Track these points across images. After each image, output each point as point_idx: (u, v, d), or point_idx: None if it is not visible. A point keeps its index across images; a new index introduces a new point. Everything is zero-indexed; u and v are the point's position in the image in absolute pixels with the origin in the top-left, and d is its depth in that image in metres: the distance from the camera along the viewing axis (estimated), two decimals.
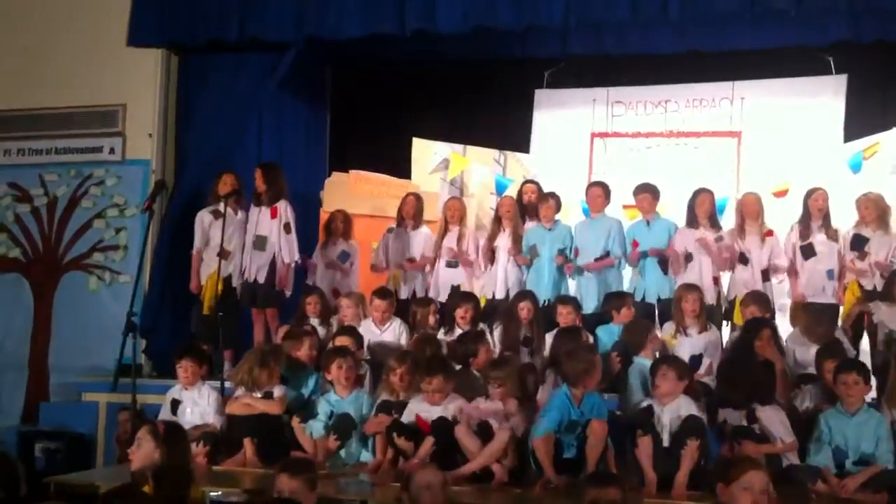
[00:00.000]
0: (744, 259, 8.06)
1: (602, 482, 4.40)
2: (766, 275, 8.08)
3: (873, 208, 7.95)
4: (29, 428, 8.34)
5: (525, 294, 7.93)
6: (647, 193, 8.41)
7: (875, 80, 9.86)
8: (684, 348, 7.13)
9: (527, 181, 9.54)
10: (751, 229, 8.15)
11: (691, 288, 7.47)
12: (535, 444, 5.75)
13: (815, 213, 8.08)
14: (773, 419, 5.87)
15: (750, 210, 8.21)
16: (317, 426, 6.50)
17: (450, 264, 8.67)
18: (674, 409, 5.80)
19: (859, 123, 9.66)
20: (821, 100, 9.98)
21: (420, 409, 6.17)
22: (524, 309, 7.62)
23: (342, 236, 8.97)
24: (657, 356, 6.57)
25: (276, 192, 8.42)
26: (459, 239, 8.69)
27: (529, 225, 8.71)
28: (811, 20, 9.15)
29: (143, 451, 4.62)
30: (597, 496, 4.26)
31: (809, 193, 8.21)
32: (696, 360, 7.10)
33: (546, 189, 9.12)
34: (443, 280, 8.67)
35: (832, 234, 8.05)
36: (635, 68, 10.30)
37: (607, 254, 8.33)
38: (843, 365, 6.02)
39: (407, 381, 6.44)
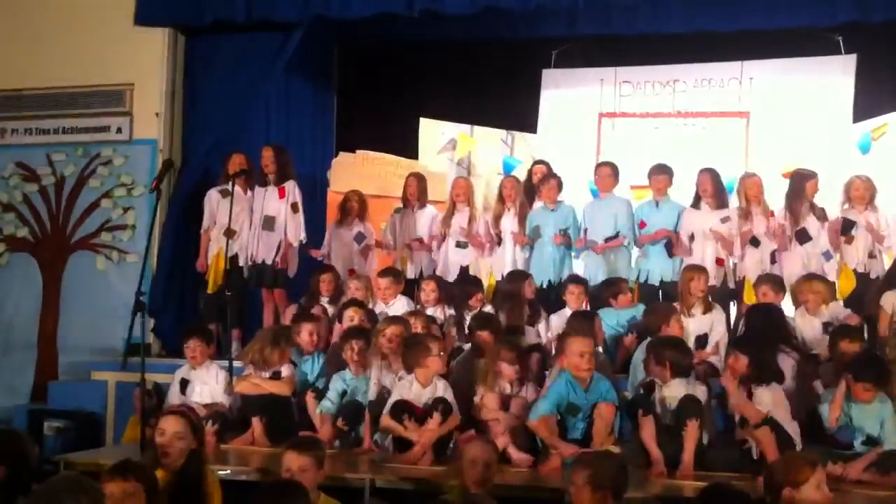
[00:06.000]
0: (755, 241, 8.02)
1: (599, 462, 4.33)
2: (773, 256, 8.05)
3: (864, 189, 7.90)
4: (38, 407, 8.36)
5: (526, 273, 7.94)
6: (664, 175, 8.35)
7: (885, 61, 9.80)
8: (689, 329, 7.13)
9: (537, 162, 9.48)
10: (756, 211, 8.12)
11: (698, 269, 7.46)
12: (531, 427, 5.79)
13: (809, 197, 8.03)
14: (775, 402, 5.86)
15: (754, 192, 8.16)
16: (326, 404, 6.54)
17: (459, 244, 8.64)
18: (674, 387, 5.83)
19: (868, 104, 9.63)
20: (830, 80, 9.94)
21: (409, 392, 6.11)
22: (531, 288, 7.65)
23: (357, 217, 8.94)
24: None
25: (285, 173, 8.44)
26: (470, 220, 8.63)
27: (536, 206, 8.68)
28: (821, 0, 9.12)
29: (186, 444, 4.59)
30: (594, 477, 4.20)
31: (808, 177, 8.08)
32: (702, 339, 7.15)
33: (555, 170, 9.08)
34: (451, 260, 8.64)
35: (820, 214, 8.00)
36: (643, 48, 10.25)
37: (617, 234, 8.29)
38: (861, 373, 5.82)
39: (396, 343, 6.45)
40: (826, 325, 6.94)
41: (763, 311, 6.94)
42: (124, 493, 3.81)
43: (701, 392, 5.87)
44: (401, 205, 9.07)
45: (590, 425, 5.78)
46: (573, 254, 8.50)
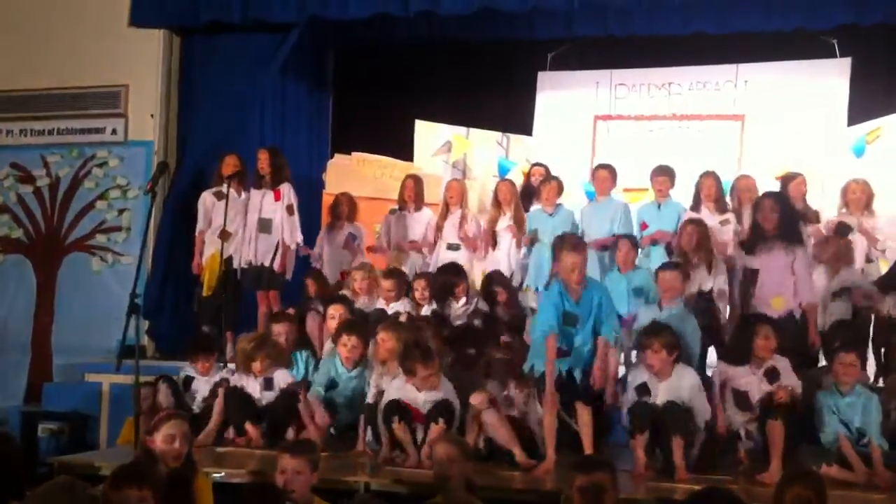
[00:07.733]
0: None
1: (589, 468, 4.30)
2: None
3: (860, 193, 7.89)
4: (32, 409, 8.36)
5: (501, 279, 7.90)
6: (666, 177, 8.25)
7: (879, 64, 9.83)
8: None
9: (535, 164, 9.44)
10: (748, 212, 8.09)
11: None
12: (547, 346, 5.71)
13: (798, 197, 8.04)
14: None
15: (746, 194, 8.13)
16: (313, 389, 6.55)
17: (451, 247, 8.62)
18: (672, 386, 5.78)
19: (863, 107, 9.65)
20: (825, 83, 9.97)
21: (405, 393, 6.04)
22: (502, 294, 7.62)
23: (347, 219, 8.93)
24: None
25: (280, 176, 8.42)
26: (462, 221, 8.61)
27: (533, 208, 8.64)
28: (816, 3, 9.14)
29: (183, 448, 4.58)
30: (584, 483, 4.18)
31: (790, 179, 8.12)
32: None
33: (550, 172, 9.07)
34: (443, 262, 8.62)
35: (812, 217, 8.01)
36: (639, 50, 10.29)
37: (615, 238, 8.26)
38: (844, 344, 6.00)
39: (387, 348, 6.40)
40: None
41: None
42: (138, 500, 3.80)
43: (695, 382, 5.85)
44: (396, 206, 9.04)
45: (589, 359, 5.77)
46: None
